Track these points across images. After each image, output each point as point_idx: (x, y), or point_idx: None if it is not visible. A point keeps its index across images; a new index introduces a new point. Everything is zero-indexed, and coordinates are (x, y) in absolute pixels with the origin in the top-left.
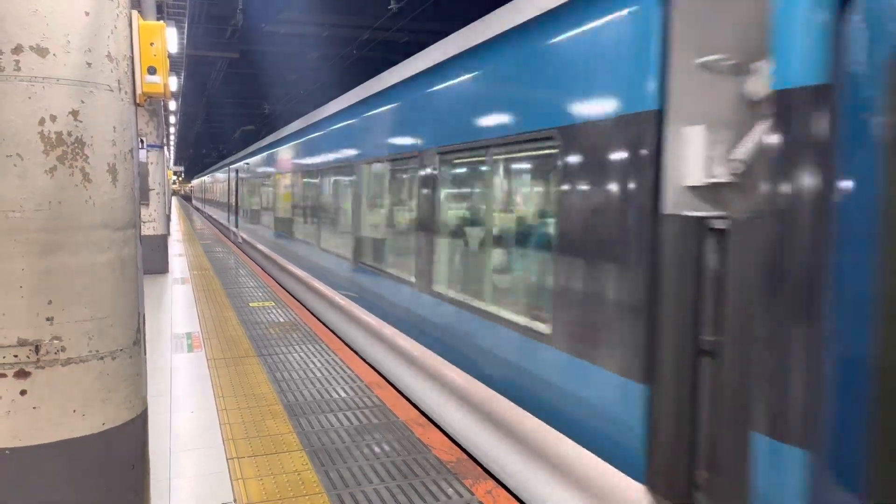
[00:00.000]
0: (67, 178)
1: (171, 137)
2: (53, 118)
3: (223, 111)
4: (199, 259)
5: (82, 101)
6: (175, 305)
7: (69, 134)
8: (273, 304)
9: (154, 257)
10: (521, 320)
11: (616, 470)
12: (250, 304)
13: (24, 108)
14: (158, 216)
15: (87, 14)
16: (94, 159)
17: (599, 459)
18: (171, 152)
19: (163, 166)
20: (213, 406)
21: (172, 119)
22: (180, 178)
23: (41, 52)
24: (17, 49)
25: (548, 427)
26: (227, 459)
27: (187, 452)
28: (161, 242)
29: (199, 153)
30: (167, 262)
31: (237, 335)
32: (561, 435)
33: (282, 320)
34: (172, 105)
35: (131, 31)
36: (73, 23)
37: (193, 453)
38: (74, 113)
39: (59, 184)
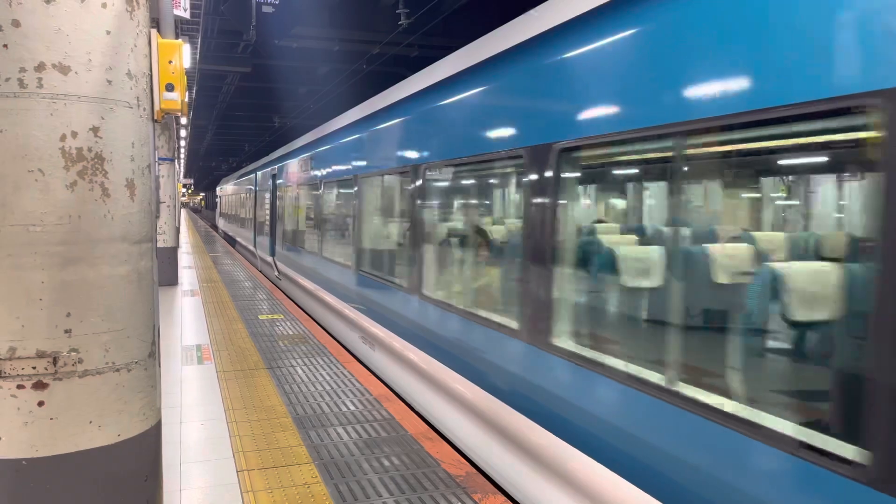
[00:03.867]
0: (87, 192)
1: (182, 150)
2: (74, 134)
3: (234, 124)
4: (208, 271)
5: (102, 118)
6: (185, 317)
7: (89, 150)
8: (282, 316)
9: (164, 269)
10: None
11: None
12: (259, 317)
13: (46, 125)
14: (169, 228)
15: (108, 33)
16: (113, 174)
17: None
18: (181, 165)
19: (174, 179)
20: (222, 418)
21: (183, 132)
22: (190, 191)
23: (63, 69)
24: (40, 67)
25: None
26: (237, 472)
27: (197, 464)
28: (171, 254)
29: (208, 166)
30: (177, 274)
31: (246, 347)
32: None
33: (290, 333)
34: (183, 119)
35: (150, 49)
36: (94, 41)
37: (203, 465)
38: (95, 129)
39: (79, 198)
